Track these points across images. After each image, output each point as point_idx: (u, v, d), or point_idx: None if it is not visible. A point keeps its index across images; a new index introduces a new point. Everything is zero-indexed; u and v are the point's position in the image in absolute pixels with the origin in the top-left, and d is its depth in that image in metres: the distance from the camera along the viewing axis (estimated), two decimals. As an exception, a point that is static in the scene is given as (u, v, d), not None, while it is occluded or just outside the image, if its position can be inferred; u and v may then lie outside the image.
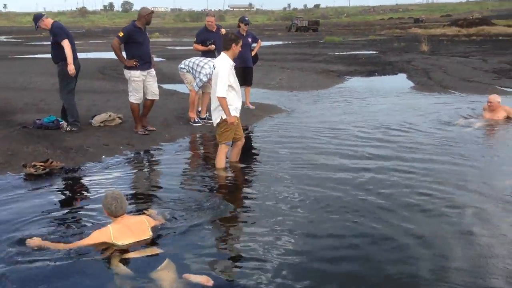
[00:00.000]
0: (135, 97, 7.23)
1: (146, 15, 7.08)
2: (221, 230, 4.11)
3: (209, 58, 7.92)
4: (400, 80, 13.97)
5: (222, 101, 5.32)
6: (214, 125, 5.69)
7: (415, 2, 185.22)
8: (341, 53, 24.09)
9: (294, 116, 8.92)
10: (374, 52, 24.20)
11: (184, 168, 5.98)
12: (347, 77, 14.79)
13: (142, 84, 7.21)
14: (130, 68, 7.07)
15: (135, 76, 7.11)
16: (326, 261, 3.55)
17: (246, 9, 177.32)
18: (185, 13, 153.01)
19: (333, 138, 7.06)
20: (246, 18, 9.44)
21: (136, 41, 7.03)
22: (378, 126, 7.78)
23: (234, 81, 5.51)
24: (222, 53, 5.55)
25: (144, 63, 7.14)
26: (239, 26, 9.25)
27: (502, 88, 11.72)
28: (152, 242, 3.70)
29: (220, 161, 5.69)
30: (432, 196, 4.72)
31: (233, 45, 5.47)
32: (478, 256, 3.56)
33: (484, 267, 3.43)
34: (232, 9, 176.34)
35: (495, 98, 8.02)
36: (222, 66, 5.36)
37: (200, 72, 7.78)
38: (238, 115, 5.60)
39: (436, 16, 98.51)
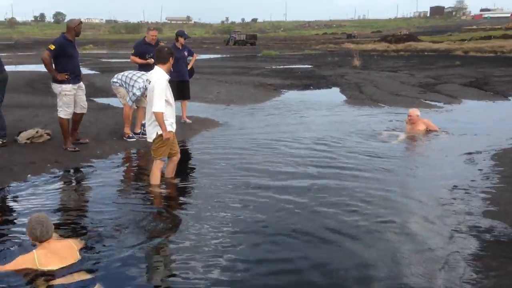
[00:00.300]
0: (65, 112, 6.94)
1: (75, 27, 6.85)
2: (154, 252, 3.95)
3: (142, 72, 7.76)
4: (334, 94, 14.44)
5: (159, 115, 5.21)
6: (149, 140, 5.56)
7: (348, 18, 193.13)
8: (278, 67, 24.59)
9: (230, 129, 8.93)
10: (310, 66, 24.93)
11: (117, 186, 5.75)
12: (284, 90, 15.08)
13: (73, 98, 6.95)
14: (61, 82, 6.78)
15: (66, 90, 6.83)
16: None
17: (184, 22, 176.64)
18: (120, 24, 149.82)
19: (268, 151, 7.13)
20: (186, 32, 9.40)
21: (67, 54, 6.77)
22: (309, 140, 7.93)
23: (170, 95, 5.42)
24: (157, 67, 5.43)
25: (75, 77, 6.91)
26: (177, 40, 9.16)
27: (427, 102, 12.43)
28: (81, 266, 3.52)
29: (155, 177, 5.56)
30: (373, 212, 4.74)
31: (171, 58, 5.42)
32: (431, 272, 3.56)
33: (437, 280, 3.44)
34: (169, 22, 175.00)
35: (415, 112, 8.53)
36: (159, 81, 5.25)
37: (133, 86, 7.61)
38: (174, 130, 5.51)
39: (368, 32, 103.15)
